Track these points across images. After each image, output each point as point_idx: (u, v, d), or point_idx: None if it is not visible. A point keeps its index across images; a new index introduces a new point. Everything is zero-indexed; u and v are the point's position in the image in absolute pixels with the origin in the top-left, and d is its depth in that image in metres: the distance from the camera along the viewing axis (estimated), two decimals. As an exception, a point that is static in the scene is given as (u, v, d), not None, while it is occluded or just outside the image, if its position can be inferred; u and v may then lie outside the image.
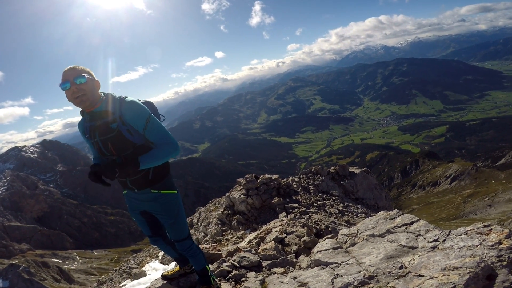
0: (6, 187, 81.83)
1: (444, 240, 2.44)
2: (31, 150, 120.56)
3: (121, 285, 8.70)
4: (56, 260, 53.29)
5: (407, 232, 2.79)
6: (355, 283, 2.36)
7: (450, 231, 2.51)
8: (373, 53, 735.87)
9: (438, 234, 2.54)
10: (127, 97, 2.45)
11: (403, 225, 2.94)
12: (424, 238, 2.58)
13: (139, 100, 2.54)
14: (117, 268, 10.23)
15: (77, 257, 59.00)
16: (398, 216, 3.16)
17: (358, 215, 8.08)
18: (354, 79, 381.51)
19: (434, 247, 2.42)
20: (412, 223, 2.90)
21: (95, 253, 63.88)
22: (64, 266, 48.98)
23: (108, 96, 2.44)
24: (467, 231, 2.44)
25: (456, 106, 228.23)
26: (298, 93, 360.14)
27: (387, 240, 2.79)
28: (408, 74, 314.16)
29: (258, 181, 8.37)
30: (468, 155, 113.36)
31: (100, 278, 8.76)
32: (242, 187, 8.53)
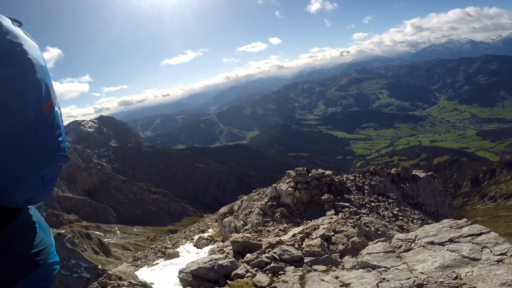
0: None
1: (514, 255, 2.24)
2: (89, 125, 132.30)
3: (154, 263, 9.27)
4: (98, 233, 58.70)
5: (472, 243, 2.59)
6: (402, 290, 2.23)
7: (525, 246, 2.28)
8: (456, 48, 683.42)
9: (508, 248, 2.35)
10: None
11: (469, 235, 2.73)
12: (490, 251, 2.39)
13: None
14: (153, 246, 10.94)
15: (118, 231, 64.30)
16: (466, 226, 2.95)
17: (414, 221, 7.76)
18: (430, 74, 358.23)
19: (499, 261, 2.24)
20: (480, 234, 2.69)
21: (135, 229, 69.02)
22: (105, 240, 53.75)
23: None
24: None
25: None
26: (363, 85, 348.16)
27: (447, 249, 2.61)
28: (497, 74, 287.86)
29: (310, 175, 8.35)
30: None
31: (136, 255, 9.39)
32: (291, 179, 8.57)
